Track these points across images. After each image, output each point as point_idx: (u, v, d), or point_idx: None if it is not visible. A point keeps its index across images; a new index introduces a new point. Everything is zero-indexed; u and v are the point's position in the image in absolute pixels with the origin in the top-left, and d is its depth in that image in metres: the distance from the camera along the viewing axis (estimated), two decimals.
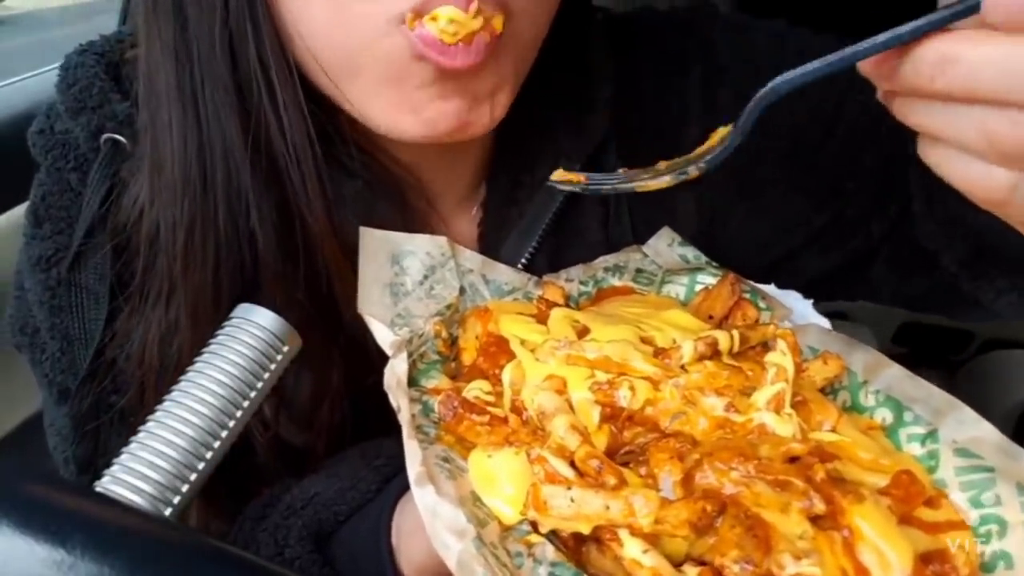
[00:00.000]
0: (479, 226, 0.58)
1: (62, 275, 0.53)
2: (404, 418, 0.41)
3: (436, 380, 0.48)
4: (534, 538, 0.37)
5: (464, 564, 0.33)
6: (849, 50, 0.33)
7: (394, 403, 0.43)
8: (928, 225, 0.49)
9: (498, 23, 0.43)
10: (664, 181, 0.41)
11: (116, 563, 0.23)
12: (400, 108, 0.46)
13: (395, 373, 0.45)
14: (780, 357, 0.42)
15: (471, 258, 0.55)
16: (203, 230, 0.49)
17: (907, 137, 0.52)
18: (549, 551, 0.36)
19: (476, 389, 0.45)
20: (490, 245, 0.58)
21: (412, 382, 0.47)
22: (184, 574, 0.25)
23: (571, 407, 0.43)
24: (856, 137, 0.56)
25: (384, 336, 0.48)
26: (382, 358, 0.48)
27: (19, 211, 0.59)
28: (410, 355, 0.47)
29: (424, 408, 0.45)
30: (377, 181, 0.54)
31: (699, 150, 0.42)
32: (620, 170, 0.44)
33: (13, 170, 0.56)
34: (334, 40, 0.45)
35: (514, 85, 0.49)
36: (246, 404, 0.42)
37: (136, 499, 0.37)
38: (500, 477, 0.39)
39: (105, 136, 0.52)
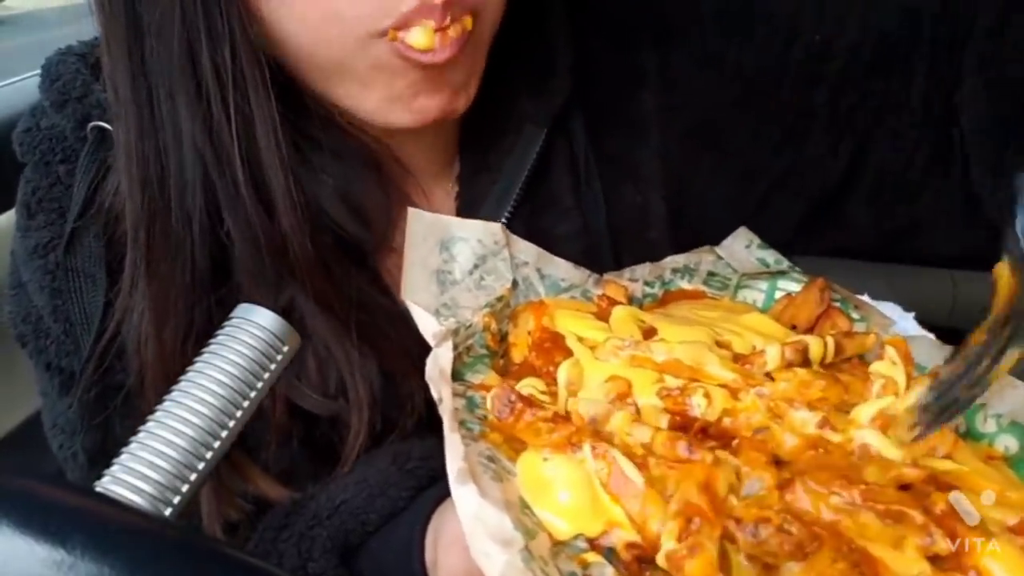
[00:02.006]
0: (456, 198, 0.57)
1: (59, 259, 0.52)
2: (446, 409, 0.36)
3: (483, 375, 0.43)
4: (591, 557, 0.31)
5: None
6: None
7: (435, 394, 0.38)
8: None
9: (468, 22, 0.46)
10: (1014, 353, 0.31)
11: (116, 563, 0.23)
12: (390, 103, 0.48)
13: (438, 363, 0.40)
14: (889, 367, 0.36)
15: (526, 250, 0.50)
16: (161, 228, 0.49)
17: (859, 75, 0.55)
18: (609, 573, 0.30)
19: (529, 387, 0.40)
20: (467, 216, 0.56)
21: (456, 376, 0.42)
22: (184, 574, 0.24)
23: (638, 412, 0.38)
24: (803, 79, 0.57)
25: (428, 325, 0.44)
26: (409, 341, 0.47)
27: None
28: (456, 347, 0.42)
29: (469, 403, 0.40)
30: (355, 157, 0.53)
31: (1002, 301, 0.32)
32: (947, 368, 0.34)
33: (13, 170, 0.55)
34: (318, 54, 0.46)
35: (482, 68, 0.51)
36: (246, 404, 0.41)
37: (136, 499, 0.37)
38: (556, 484, 0.34)
39: (91, 124, 0.52)
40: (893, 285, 1.02)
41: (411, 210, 0.48)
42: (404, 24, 0.44)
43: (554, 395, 0.40)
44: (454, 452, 0.33)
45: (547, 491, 0.34)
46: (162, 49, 0.45)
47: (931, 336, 0.44)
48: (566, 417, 0.37)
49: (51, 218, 0.53)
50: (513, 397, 0.36)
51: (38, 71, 0.54)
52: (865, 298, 0.49)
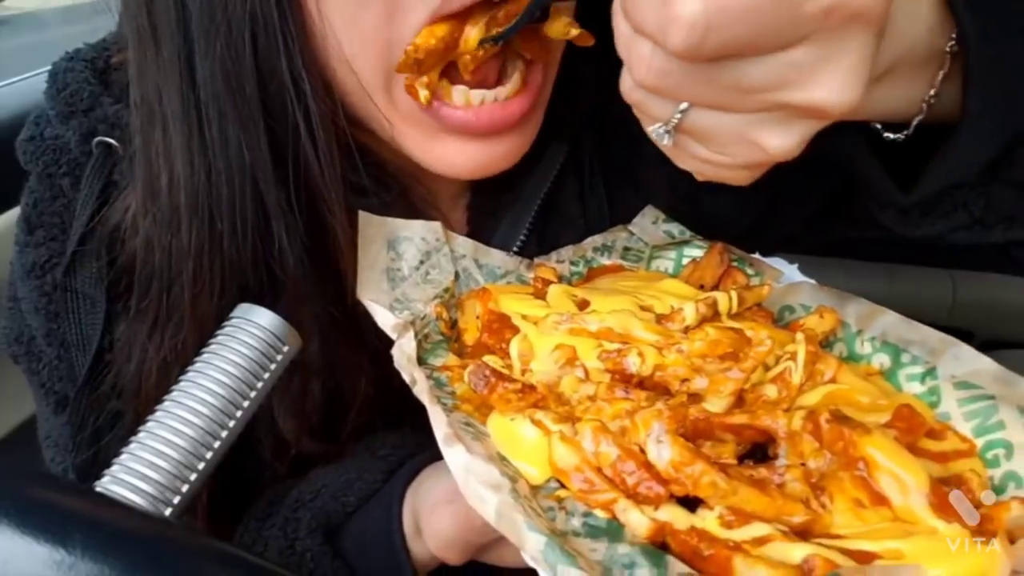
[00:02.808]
0: (467, 210, 0.59)
1: (57, 280, 0.52)
2: (422, 387, 0.41)
3: (444, 358, 0.48)
4: (563, 493, 0.37)
5: (503, 514, 0.33)
6: None
7: (407, 378, 0.43)
8: (1006, 192, 0.46)
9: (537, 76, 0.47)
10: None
11: (116, 563, 0.23)
12: (435, 154, 0.49)
13: (404, 351, 0.45)
14: (794, 346, 0.44)
15: (463, 244, 0.56)
16: (211, 257, 0.48)
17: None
18: (580, 503, 0.36)
19: (490, 362, 0.45)
20: (483, 229, 0.58)
21: (420, 361, 0.47)
22: (184, 574, 0.25)
23: (587, 374, 0.44)
24: None
25: (386, 319, 0.48)
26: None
27: (17, 212, 0.57)
28: (415, 336, 0.48)
29: (436, 383, 0.45)
30: (382, 188, 0.54)
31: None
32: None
33: (13, 171, 0.55)
34: (363, 66, 0.46)
35: (541, 117, 0.52)
36: (246, 404, 0.42)
37: (136, 499, 0.37)
38: (523, 438, 0.40)
39: (97, 139, 0.52)
40: (893, 285, 1.04)
41: (361, 213, 0.51)
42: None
43: (510, 368, 0.46)
44: (438, 421, 0.38)
45: (518, 445, 0.40)
46: (220, 75, 0.45)
47: (812, 281, 0.52)
48: (532, 387, 0.42)
49: (51, 233, 0.53)
50: (488, 372, 0.42)
51: (38, 71, 0.53)
52: (756, 256, 0.57)
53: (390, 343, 0.46)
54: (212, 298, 0.48)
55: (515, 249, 0.58)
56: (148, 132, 0.48)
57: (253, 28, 0.44)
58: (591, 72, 0.58)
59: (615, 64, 0.59)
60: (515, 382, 0.42)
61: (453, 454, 0.36)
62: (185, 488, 0.39)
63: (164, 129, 0.47)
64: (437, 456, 0.52)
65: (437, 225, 0.54)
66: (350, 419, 0.55)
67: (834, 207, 0.61)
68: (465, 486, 0.35)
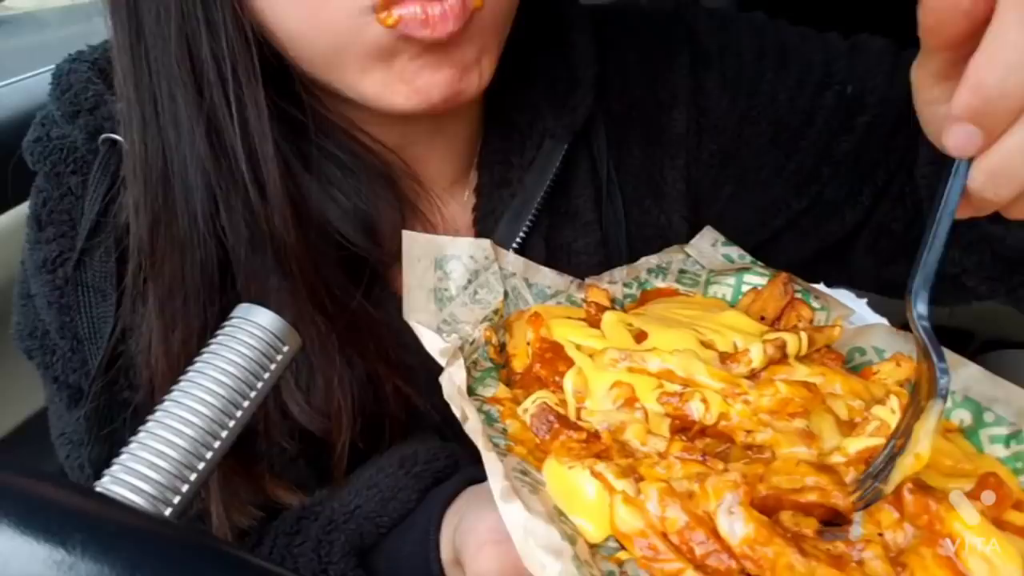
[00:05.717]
0: (473, 211, 0.58)
1: (68, 274, 0.53)
2: (474, 428, 0.39)
3: (494, 389, 0.46)
4: (624, 555, 0.35)
5: None
6: (941, 226, 0.36)
7: (458, 413, 0.41)
8: (950, 251, 0.49)
9: None
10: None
11: (116, 563, 0.23)
12: (392, 83, 0.46)
13: (454, 382, 0.43)
14: (888, 414, 0.40)
15: (513, 261, 0.54)
16: (166, 229, 0.49)
17: (885, 132, 0.57)
18: (643, 570, 0.34)
19: (543, 399, 0.43)
20: (485, 229, 0.57)
21: (469, 391, 0.45)
22: (184, 574, 0.25)
23: (647, 417, 0.41)
24: (832, 125, 0.58)
25: (434, 343, 0.46)
26: (388, 344, 0.52)
27: (19, 211, 0.57)
28: (464, 362, 0.45)
29: (487, 418, 0.43)
30: (367, 170, 0.53)
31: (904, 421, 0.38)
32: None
33: (13, 171, 0.55)
34: (312, 39, 0.46)
35: (496, 51, 0.49)
36: (246, 404, 0.41)
37: (136, 499, 0.36)
38: (582, 492, 0.37)
39: (103, 136, 0.52)
40: None
41: (405, 233, 0.50)
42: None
43: (564, 404, 0.44)
44: (494, 471, 0.36)
45: (576, 499, 0.37)
46: (161, 46, 0.45)
47: (885, 322, 0.49)
48: (596, 435, 0.40)
49: (62, 230, 0.53)
50: (552, 417, 0.40)
51: (38, 71, 0.54)
52: (821, 287, 0.55)
53: (351, 325, 0.46)
54: (173, 270, 0.49)
55: (515, 247, 0.57)
56: (123, 113, 0.49)
57: (180, 13, 0.44)
58: (591, 74, 0.57)
59: (619, 67, 0.59)
60: (580, 431, 0.40)
61: (510, 511, 0.34)
62: (185, 488, 0.38)
63: (128, 106, 0.48)
64: (470, 476, 0.51)
65: (486, 243, 0.52)
66: (335, 398, 0.54)
67: (831, 255, 0.61)
68: (524, 548, 0.33)
